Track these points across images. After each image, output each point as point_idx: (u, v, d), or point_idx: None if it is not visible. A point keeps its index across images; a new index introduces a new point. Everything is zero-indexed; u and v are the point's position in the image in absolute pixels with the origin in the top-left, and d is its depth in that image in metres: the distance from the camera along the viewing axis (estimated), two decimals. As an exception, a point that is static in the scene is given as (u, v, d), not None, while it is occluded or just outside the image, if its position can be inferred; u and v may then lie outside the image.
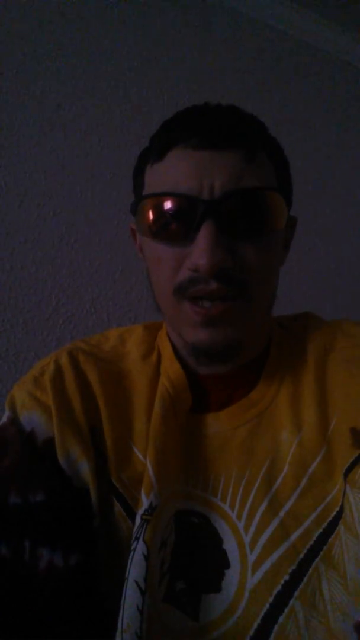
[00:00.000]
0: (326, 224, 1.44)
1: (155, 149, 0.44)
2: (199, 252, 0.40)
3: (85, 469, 0.44)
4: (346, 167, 1.49)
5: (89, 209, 1.04)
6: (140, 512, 0.42)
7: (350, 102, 1.50)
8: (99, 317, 1.05)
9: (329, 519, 0.42)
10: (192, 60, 1.19)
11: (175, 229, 0.42)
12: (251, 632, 0.39)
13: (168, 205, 0.42)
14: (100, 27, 1.07)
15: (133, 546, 0.41)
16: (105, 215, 1.06)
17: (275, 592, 0.40)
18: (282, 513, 0.43)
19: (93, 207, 1.05)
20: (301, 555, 0.41)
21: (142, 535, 0.41)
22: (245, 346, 0.47)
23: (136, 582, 0.39)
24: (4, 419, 0.47)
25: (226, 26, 1.25)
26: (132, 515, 0.44)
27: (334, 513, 0.42)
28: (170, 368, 0.50)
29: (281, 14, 1.32)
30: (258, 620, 0.39)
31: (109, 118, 1.07)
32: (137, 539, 0.41)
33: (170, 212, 0.42)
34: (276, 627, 0.38)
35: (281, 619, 0.39)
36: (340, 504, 0.42)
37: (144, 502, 0.42)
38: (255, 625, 0.39)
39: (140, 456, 0.47)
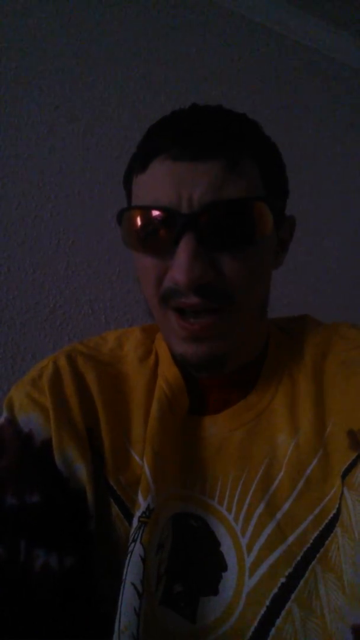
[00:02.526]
0: (325, 224, 1.44)
1: (139, 160, 0.44)
2: (178, 267, 0.40)
3: (82, 470, 0.44)
4: (345, 167, 1.50)
5: (86, 210, 1.04)
6: (137, 514, 0.42)
7: (347, 103, 1.50)
8: (96, 318, 1.05)
9: (326, 521, 0.42)
10: (191, 61, 1.19)
11: (156, 242, 0.42)
12: (248, 635, 0.39)
13: (148, 218, 0.42)
14: (99, 28, 1.07)
15: (130, 548, 0.41)
16: (103, 217, 1.06)
17: (272, 594, 0.40)
18: (278, 515, 0.43)
19: (91, 208, 1.05)
20: (298, 558, 0.41)
21: (139, 537, 0.41)
22: (233, 356, 0.46)
23: (133, 585, 0.39)
24: (2, 419, 0.47)
25: (224, 28, 1.25)
26: (129, 517, 0.44)
27: (331, 515, 0.42)
28: (168, 371, 0.50)
29: (279, 16, 1.32)
30: (255, 623, 0.39)
31: (106, 119, 1.07)
32: (134, 541, 0.41)
33: (151, 225, 0.42)
34: (273, 630, 0.38)
35: (278, 622, 0.39)
36: (337, 506, 0.42)
37: (142, 504, 0.42)
38: (252, 628, 0.39)
39: (137, 458, 0.47)
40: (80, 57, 1.04)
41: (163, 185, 0.41)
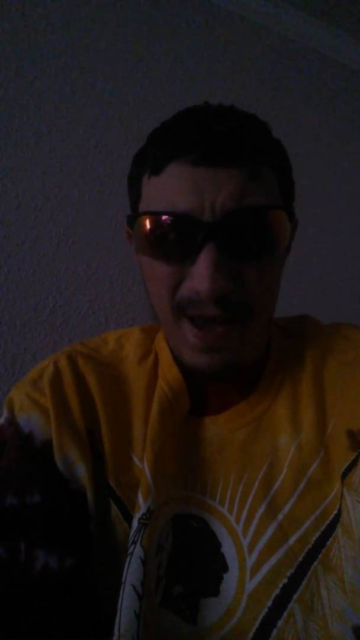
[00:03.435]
0: (326, 225, 1.44)
1: (153, 161, 0.42)
2: (200, 277, 0.38)
3: (82, 471, 0.44)
4: (344, 168, 1.50)
5: (86, 211, 1.04)
6: (137, 516, 0.42)
7: (348, 103, 1.50)
8: (96, 319, 1.05)
9: (327, 522, 0.42)
10: (191, 63, 1.19)
11: (174, 248, 0.41)
12: (250, 636, 0.39)
13: (167, 224, 0.40)
14: (99, 29, 1.07)
15: (130, 550, 0.40)
16: (103, 217, 1.06)
17: (273, 595, 0.40)
18: (280, 516, 0.43)
19: (91, 209, 1.05)
20: (300, 559, 0.41)
21: (139, 539, 0.41)
22: (245, 364, 0.46)
23: (133, 587, 0.38)
24: (2, 420, 0.47)
25: (225, 29, 1.25)
26: (128, 518, 0.44)
27: (332, 516, 0.42)
28: (169, 372, 0.50)
29: (280, 17, 1.32)
30: (257, 624, 0.39)
31: (107, 120, 1.07)
32: (134, 542, 0.40)
33: (169, 231, 0.40)
34: (275, 631, 0.38)
35: (280, 623, 0.39)
36: (338, 506, 0.42)
37: (142, 505, 0.42)
38: (253, 630, 0.39)
39: (137, 460, 0.46)
40: (80, 58, 1.04)
41: (182, 191, 0.39)
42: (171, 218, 0.40)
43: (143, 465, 0.44)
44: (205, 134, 0.40)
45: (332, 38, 1.42)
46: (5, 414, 0.47)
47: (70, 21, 1.03)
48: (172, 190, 0.40)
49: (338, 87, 1.48)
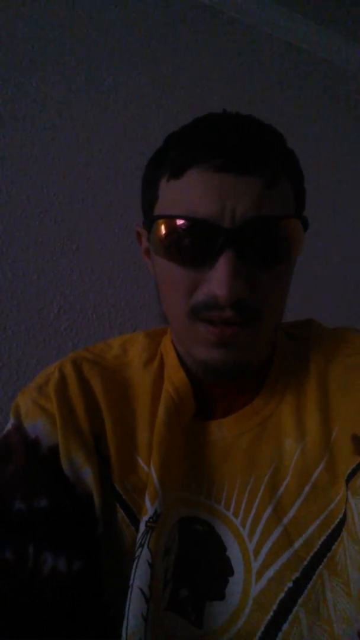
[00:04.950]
0: (329, 229, 1.45)
1: (173, 165, 0.42)
2: (218, 282, 0.39)
3: (89, 476, 0.44)
4: (346, 172, 1.50)
5: (90, 216, 1.05)
6: (145, 519, 0.42)
7: (349, 107, 1.51)
8: (100, 324, 1.05)
9: (332, 526, 0.43)
10: (193, 68, 1.20)
11: (192, 253, 0.41)
12: None
13: (186, 229, 0.41)
14: (101, 35, 1.08)
15: (137, 553, 0.41)
16: (107, 222, 1.07)
17: (279, 599, 0.40)
18: (285, 520, 0.43)
19: (94, 214, 1.05)
20: (305, 563, 0.41)
21: (146, 542, 0.41)
22: (254, 366, 0.47)
23: (140, 590, 0.39)
24: (9, 426, 0.48)
25: (227, 35, 1.26)
26: (135, 522, 0.44)
27: (337, 520, 0.43)
28: (175, 375, 0.51)
29: (282, 23, 1.33)
30: (262, 628, 0.39)
31: (109, 126, 1.08)
32: (141, 546, 0.41)
33: (188, 236, 0.41)
34: (280, 635, 0.39)
35: (285, 627, 0.39)
36: (343, 511, 0.43)
37: (149, 508, 0.42)
38: (259, 633, 0.39)
39: (143, 464, 0.47)
40: (84, 64, 1.05)
41: (203, 196, 0.39)
42: (191, 222, 0.40)
43: (149, 468, 0.45)
44: (228, 141, 0.40)
45: (334, 43, 1.43)
46: (11, 420, 0.48)
47: (73, 26, 1.04)
48: (193, 195, 0.40)
49: (340, 91, 1.48)
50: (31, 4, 1.00)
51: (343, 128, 1.50)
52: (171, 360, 0.52)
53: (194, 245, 0.41)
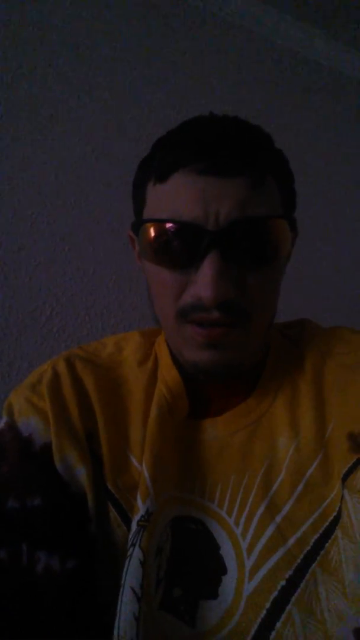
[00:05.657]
0: (325, 230, 1.45)
1: (158, 169, 0.43)
2: (203, 284, 0.39)
3: (82, 474, 0.44)
4: (345, 173, 1.51)
5: (83, 218, 1.05)
6: (136, 518, 0.42)
7: (346, 110, 1.52)
8: (93, 325, 1.05)
9: (326, 524, 0.43)
10: (189, 71, 1.21)
11: (178, 256, 0.41)
12: (248, 638, 0.39)
13: (171, 232, 0.41)
14: (97, 35, 1.08)
15: (129, 552, 0.40)
16: (100, 224, 1.06)
17: (272, 597, 0.40)
18: (278, 518, 0.43)
19: (87, 216, 1.05)
20: (298, 561, 0.41)
21: (138, 541, 0.41)
22: (244, 367, 0.47)
23: (132, 589, 0.39)
24: (2, 424, 0.47)
25: (224, 38, 1.27)
26: (127, 521, 0.44)
27: (331, 518, 0.43)
28: (168, 374, 0.51)
29: (279, 27, 1.35)
30: (255, 627, 0.39)
31: (103, 127, 1.08)
32: (133, 545, 0.41)
33: (174, 239, 0.41)
34: (273, 633, 0.38)
35: (278, 625, 0.39)
36: (337, 509, 0.43)
37: (140, 508, 0.42)
38: (252, 632, 0.39)
39: (135, 462, 0.47)
40: (79, 65, 1.05)
41: (188, 200, 0.40)
42: (176, 226, 0.41)
43: (142, 467, 0.45)
44: (211, 144, 0.41)
45: (330, 48, 1.44)
46: (4, 418, 0.48)
47: (70, 26, 1.05)
48: (178, 198, 0.41)
49: (337, 96, 1.50)
50: (30, 1, 1.00)
51: (344, 134, 1.51)
52: (164, 360, 0.52)
53: (179, 248, 0.41)
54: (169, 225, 0.41)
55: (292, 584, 0.40)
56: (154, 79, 1.15)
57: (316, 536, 0.42)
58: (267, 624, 0.39)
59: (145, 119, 1.13)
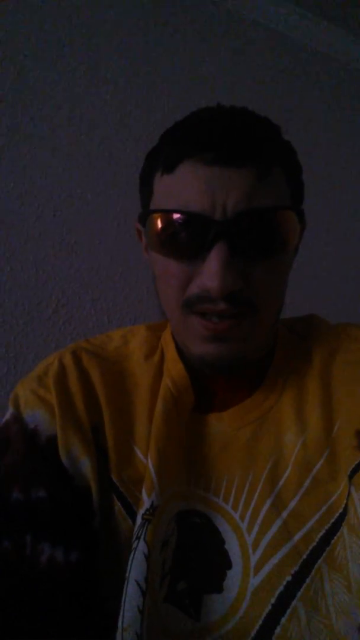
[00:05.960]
0: (330, 225, 1.44)
1: (166, 159, 0.43)
2: (210, 274, 0.39)
3: (86, 467, 0.44)
4: (349, 167, 1.50)
5: (89, 210, 1.05)
6: (141, 511, 0.42)
7: (354, 105, 1.51)
8: (99, 318, 1.05)
9: (332, 520, 0.42)
10: (195, 64, 1.20)
11: (185, 246, 0.41)
12: (253, 633, 0.39)
13: (179, 222, 0.41)
14: (102, 30, 1.07)
15: (134, 545, 0.40)
16: (106, 216, 1.06)
17: (277, 593, 0.40)
18: (285, 514, 0.43)
19: (93, 208, 1.05)
20: (304, 556, 0.41)
21: (143, 534, 0.41)
22: (251, 359, 0.47)
23: (137, 582, 0.39)
24: (8, 416, 0.47)
25: (230, 31, 1.26)
26: (132, 514, 0.44)
27: (337, 514, 0.42)
28: (174, 368, 0.50)
29: (288, 20, 1.33)
30: (260, 621, 0.39)
31: (109, 120, 1.08)
32: (138, 538, 0.41)
33: (181, 229, 0.41)
34: (278, 629, 0.38)
35: (283, 620, 0.39)
36: (343, 505, 0.42)
37: (145, 501, 0.42)
38: (257, 626, 0.39)
39: (141, 456, 0.46)
40: (83, 59, 1.05)
41: (195, 190, 0.40)
42: (183, 216, 0.40)
43: (147, 460, 0.44)
44: (219, 135, 0.41)
45: (334, 37, 1.43)
46: (10, 409, 0.48)
47: (74, 23, 1.04)
48: (185, 189, 0.40)
49: (340, 86, 1.49)
50: (30, 1, 0.99)
51: (345, 125, 1.50)
52: (170, 354, 0.52)
53: (186, 239, 0.41)
54: (176, 215, 0.41)
55: (298, 580, 0.40)
56: (157, 73, 1.15)
57: (322, 532, 0.42)
58: (272, 619, 0.39)
59: (150, 113, 1.12)
